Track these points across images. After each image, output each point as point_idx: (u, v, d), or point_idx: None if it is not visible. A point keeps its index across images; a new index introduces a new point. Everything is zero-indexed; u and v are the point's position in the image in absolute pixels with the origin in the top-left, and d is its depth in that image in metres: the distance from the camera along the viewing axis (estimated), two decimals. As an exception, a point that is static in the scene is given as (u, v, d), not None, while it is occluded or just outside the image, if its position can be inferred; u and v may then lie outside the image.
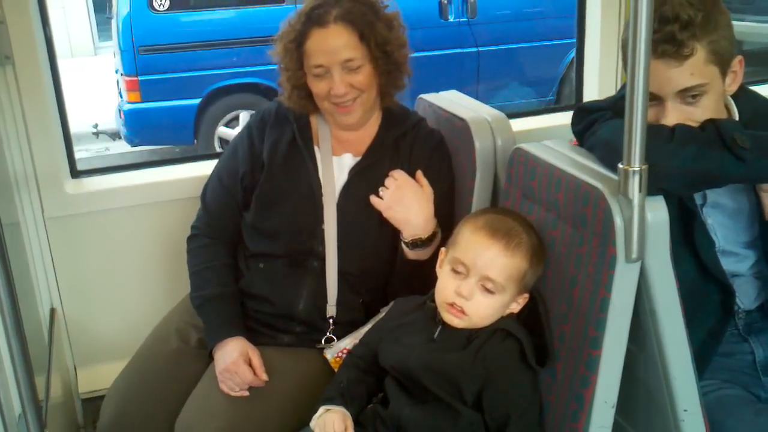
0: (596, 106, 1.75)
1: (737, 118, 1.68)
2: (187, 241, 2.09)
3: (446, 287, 1.60)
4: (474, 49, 6.41)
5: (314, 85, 1.93)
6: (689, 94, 1.59)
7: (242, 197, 2.03)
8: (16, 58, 2.23)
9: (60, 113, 2.41)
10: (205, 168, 2.51)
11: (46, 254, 2.45)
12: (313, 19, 1.89)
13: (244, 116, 6.29)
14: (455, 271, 1.59)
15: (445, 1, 6.22)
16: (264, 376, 1.85)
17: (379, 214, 1.92)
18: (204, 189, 2.11)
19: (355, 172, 1.97)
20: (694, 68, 1.57)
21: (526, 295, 1.62)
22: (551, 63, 6.65)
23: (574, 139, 1.81)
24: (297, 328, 1.98)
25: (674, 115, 1.59)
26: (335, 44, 1.87)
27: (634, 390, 1.63)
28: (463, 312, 1.58)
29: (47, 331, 2.42)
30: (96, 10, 10.53)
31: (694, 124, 1.59)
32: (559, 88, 6.79)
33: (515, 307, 1.62)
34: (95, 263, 2.51)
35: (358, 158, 1.99)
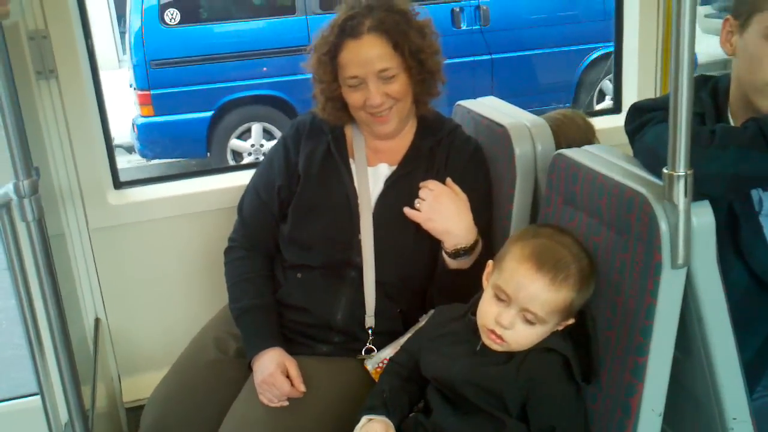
0: (650, 106, 1.71)
1: None
2: (225, 254, 2.11)
3: (488, 313, 1.55)
4: (488, 57, 6.41)
5: (349, 96, 1.93)
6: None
7: (279, 209, 2.04)
8: (59, 71, 2.27)
9: (102, 125, 2.45)
10: (244, 178, 2.53)
11: (90, 265, 2.49)
12: (346, 31, 1.89)
13: (257, 128, 6.32)
14: (498, 298, 1.54)
15: (458, 9, 6.22)
16: (302, 387, 1.86)
17: (415, 222, 1.91)
18: (241, 201, 2.12)
19: (391, 182, 1.97)
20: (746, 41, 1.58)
21: (572, 320, 1.57)
22: (567, 69, 6.63)
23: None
24: (335, 338, 1.98)
25: None
26: (369, 55, 1.87)
27: (681, 398, 1.60)
28: (502, 339, 1.54)
29: (92, 341, 2.46)
30: (119, 23, 10.70)
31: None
32: (576, 94, 6.75)
33: (559, 328, 1.58)
34: (137, 273, 2.55)
35: (394, 167, 1.99)
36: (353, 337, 1.97)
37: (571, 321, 1.57)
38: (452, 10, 6.23)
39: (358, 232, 1.94)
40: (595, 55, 6.57)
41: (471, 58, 6.32)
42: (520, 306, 1.52)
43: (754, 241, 1.61)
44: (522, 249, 1.54)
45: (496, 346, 1.56)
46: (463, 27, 6.30)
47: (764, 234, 1.63)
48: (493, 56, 6.42)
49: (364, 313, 1.96)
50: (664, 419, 1.52)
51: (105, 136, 2.46)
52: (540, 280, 1.50)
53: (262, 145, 6.29)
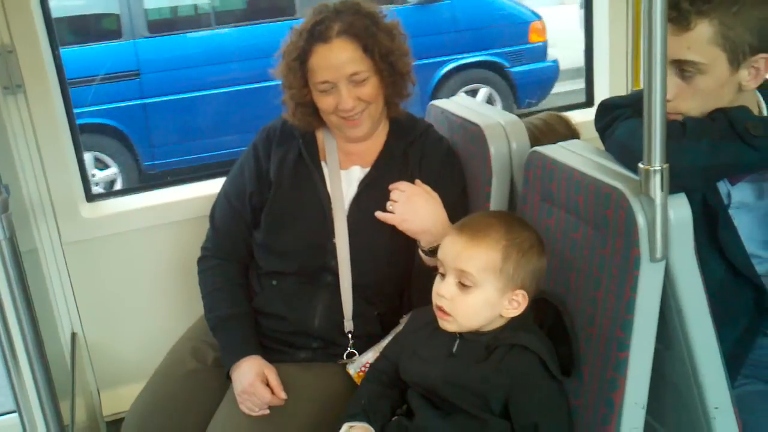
0: (618, 103, 1.73)
1: (765, 113, 1.66)
2: (198, 263, 2.10)
3: (433, 292, 1.60)
4: None
5: (321, 101, 1.91)
6: (683, 67, 1.57)
7: (251, 216, 2.03)
8: (27, 85, 2.24)
9: (72, 138, 2.42)
10: (217, 186, 2.50)
11: (65, 279, 2.46)
12: (315, 36, 1.88)
13: (87, 158, 5.49)
14: (440, 274, 1.59)
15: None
16: (282, 395, 1.85)
17: (390, 224, 1.91)
18: (213, 209, 2.10)
19: (365, 185, 1.96)
20: (692, 43, 1.54)
21: (521, 292, 1.56)
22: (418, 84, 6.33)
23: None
24: (314, 344, 1.97)
25: (668, 82, 1.52)
26: (340, 59, 1.86)
27: (663, 389, 1.61)
28: (446, 313, 1.56)
29: (69, 355, 2.43)
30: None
31: (685, 104, 1.58)
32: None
33: (511, 309, 1.56)
34: (113, 286, 2.52)
35: (367, 170, 1.99)
36: (332, 342, 1.97)
37: (518, 294, 1.55)
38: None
39: (333, 236, 1.94)
40: (447, 68, 6.19)
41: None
42: (453, 271, 1.55)
43: (729, 233, 1.62)
44: (453, 225, 1.64)
45: (446, 325, 1.57)
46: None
47: (735, 226, 1.64)
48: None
49: (342, 317, 1.95)
50: (648, 410, 1.53)
51: (75, 149, 2.43)
52: (461, 238, 1.56)
53: (93, 175, 5.63)
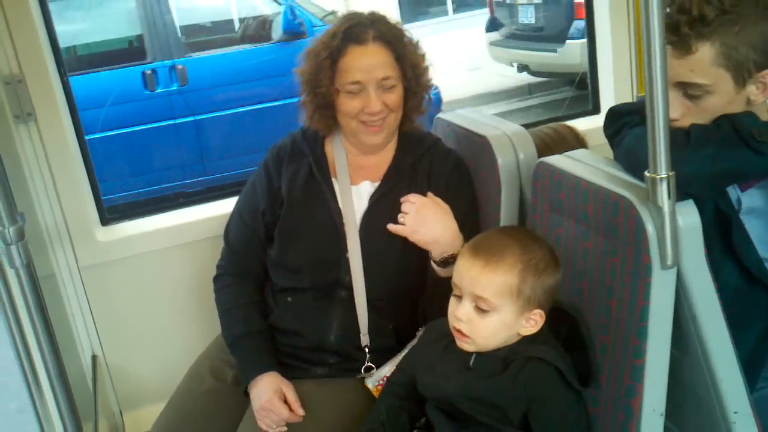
0: (626, 109, 1.72)
1: None
2: (214, 281, 2.11)
3: (450, 313, 1.59)
4: (191, 119, 5.78)
5: (346, 103, 1.92)
6: (689, 90, 1.57)
7: (265, 233, 2.04)
8: (37, 113, 2.27)
9: (85, 163, 2.45)
10: (229, 205, 2.53)
11: (83, 302, 2.49)
12: (351, 37, 1.90)
13: None
14: (455, 296, 1.58)
15: (150, 72, 5.66)
16: (300, 411, 1.86)
17: (402, 237, 1.91)
18: (226, 228, 2.12)
19: (375, 199, 1.97)
20: (695, 66, 1.53)
21: (538, 312, 1.56)
22: (293, 122, 6.05)
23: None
24: (330, 360, 1.98)
25: (673, 105, 1.54)
26: (374, 61, 1.89)
27: (681, 395, 1.61)
28: (464, 335, 1.56)
29: (90, 378, 2.45)
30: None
31: (692, 122, 1.56)
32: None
33: (529, 327, 1.56)
34: (131, 307, 2.55)
35: (377, 184, 1.99)
36: (348, 356, 1.97)
37: (537, 313, 1.55)
38: (143, 73, 5.64)
39: (346, 251, 1.95)
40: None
41: (170, 122, 5.74)
42: (469, 295, 1.55)
43: (743, 238, 1.62)
44: (467, 244, 1.61)
45: (465, 346, 1.57)
46: (159, 90, 5.68)
47: (747, 232, 1.64)
48: (197, 117, 5.77)
49: (358, 332, 1.96)
50: (667, 417, 1.52)
51: (88, 173, 2.47)
52: (476, 264, 1.54)
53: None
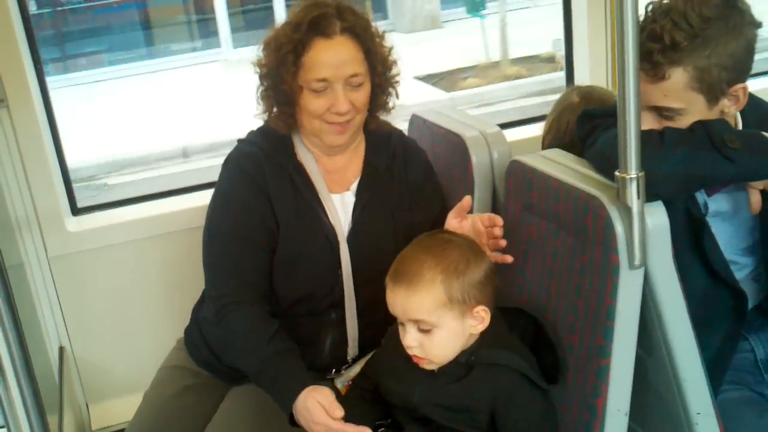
0: (599, 112, 1.74)
1: (741, 128, 1.67)
2: (221, 316, 1.83)
3: (402, 342, 1.57)
4: None
5: (311, 102, 1.79)
6: (663, 112, 1.59)
7: (269, 246, 1.86)
8: (9, 100, 2.24)
9: (57, 152, 2.42)
10: (201, 198, 2.52)
11: (51, 293, 2.45)
12: (316, 29, 1.76)
13: None
14: (400, 324, 1.57)
15: None
16: (336, 413, 1.62)
17: (392, 243, 1.84)
18: (213, 256, 1.88)
19: (359, 212, 1.89)
20: (669, 91, 1.56)
21: (480, 307, 1.54)
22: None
23: None
24: (327, 376, 1.94)
25: (646, 125, 1.57)
26: (342, 57, 1.76)
27: (646, 395, 1.62)
28: (420, 358, 1.55)
29: (57, 369, 2.42)
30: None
31: None
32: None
33: (478, 324, 1.55)
34: (101, 299, 2.52)
35: (355, 189, 1.91)
36: (338, 369, 1.95)
37: (481, 309, 1.53)
38: None
39: (340, 268, 1.87)
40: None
41: None
42: (408, 321, 1.54)
43: (711, 241, 1.64)
44: (388, 274, 1.57)
45: (426, 366, 1.56)
46: None
47: (714, 235, 1.66)
48: None
49: (347, 345, 1.93)
50: (631, 417, 1.54)
51: (60, 162, 2.44)
52: (399, 292, 1.53)
53: None
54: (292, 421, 1.68)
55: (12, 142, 2.28)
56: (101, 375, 2.56)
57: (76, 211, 2.51)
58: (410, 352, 1.55)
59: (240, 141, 1.94)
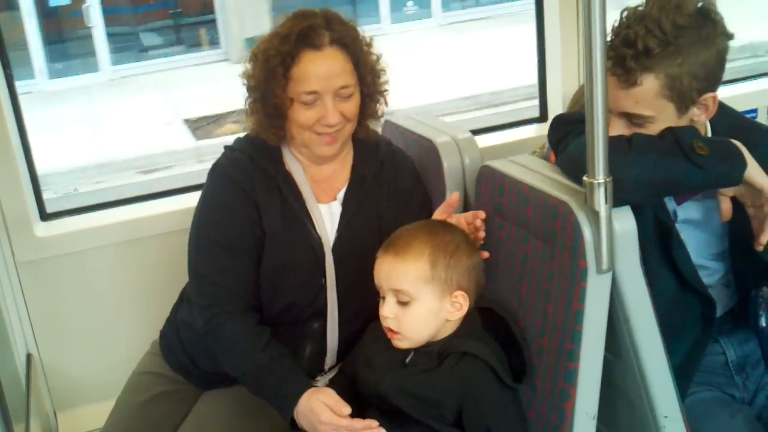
0: (571, 119, 1.75)
1: (710, 136, 1.69)
2: (210, 326, 1.81)
3: (380, 315, 1.62)
4: None
5: (301, 114, 1.78)
6: (633, 119, 1.60)
7: (257, 254, 1.84)
8: None
9: (26, 156, 2.40)
10: (177, 203, 2.51)
11: (19, 299, 2.42)
12: (305, 41, 1.75)
13: None
14: (381, 298, 1.62)
15: None
16: (343, 411, 1.62)
17: (376, 251, 1.77)
18: (201, 265, 1.85)
19: (346, 221, 1.89)
20: (640, 98, 1.57)
21: (460, 293, 1.58)
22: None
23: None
24: None
25: (616, 132, 1.59)
26: (331, 69, 1.76)
27: (614, 399, 1.63)
28: (394, 331, 1.59)
29: (24, 377, 2.39)
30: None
31: None
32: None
33: (455, 311, 1.59)
34: (70, 305, 2.49)
35: (342, 199, 1.91)
36: (314, 376, 1.93)
37: (459, 295, 1.58)
38: None
39: (324, 278, 1.86)
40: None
41: None
42: (389, 291, 1.59)
43: (680, 248, 1.66)
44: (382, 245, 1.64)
45: (399, 343, 1.60)
46: None
47: (684, 242, 1.68)
48: None
49: (325, 354, 1.92)
50: (599, 419, 1.55)
51: (29, 166, 2.41)
52: (386, 259, 1.60)
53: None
54: (293, 425, 1.69)
55: None
56: (70, 382, 2.53)
57: (45, 216, 2.48)
58: (385, 323, 1.60)
59: (227, 148, 1.93)
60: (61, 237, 2.43)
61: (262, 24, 10.21)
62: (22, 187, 2.35)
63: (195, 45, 11.81)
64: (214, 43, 11.63)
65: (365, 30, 1.88)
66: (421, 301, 1.57)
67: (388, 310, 1.59)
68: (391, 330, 1.60)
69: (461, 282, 1.59)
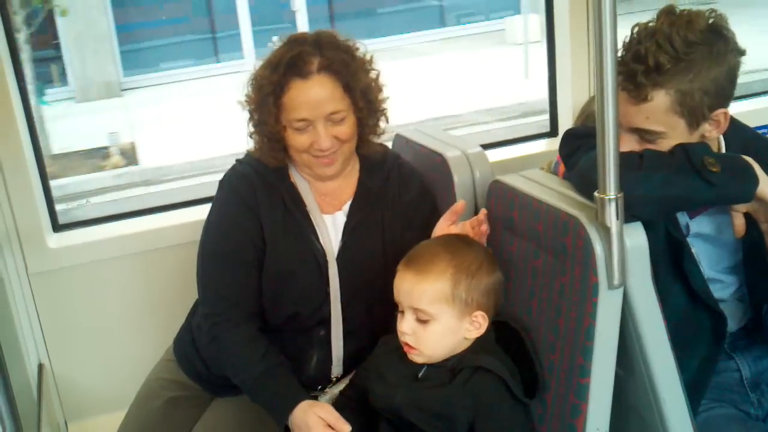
0: (583, 132, 1.75)
1: (724, 151, 1.68)
2: (212, 333, 1.87)
3: (398, 329, 1.62)
4: None
5: (294, 139, 1.82)
6: (644, 135, 1.60)
7: (258, 267, 1.88)
8: None
9: (39, 168, 2.41)
10: (187, 215, 2.53)
11: (31, 310, 2.43)
12: (293, 70, 1.78)
13: None
14: (400, 312, 1.62)
15: None
16: (345, 428, 1.67)
17: (381, 263, 1.86)
18: (206, 275, 1.90)
19: (349, 232, 1.90)
20: (650, 114, 1.57)
21: (480, 314, 1.60)
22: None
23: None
24: (312, 392, 1.91)
25: (627, 147, 1.59)
26: (320, 97, 1.78)
27: (625, 415, 1.63)
28: (412, 347, 1.59)
29: (36, 387, 2.40)
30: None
31: None
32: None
33: (474, 330, 1.60)
34: (82, 316, 2.50)
35: (347, 211, 1.92)
36: (322, 387, 1.94)
37: (479, 315, 1.59)
38: None
39: (328, 287, 1.88)
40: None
41: None
42: (408, 308, 1.59)
43: (692, 263, 1.65)
44: (402, 260, 1.65)
45: (415, 358, 1.60)
46: None
47: (696, 256, 1.67)
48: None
49: (331, 363, 1.92)
50: (610, 437, 1.54)
51: (42, 178, 2.43)
52: (407, 277, 1.60)
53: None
54: None
55: None
56: (81, 392, 2.54)
57: (57, 227, 2.49)
58: (402, 339, 1.60)
59: (237, 161, 1.97)
60: (73, 248, 2.45)
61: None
62: (35, 199, 2.37)
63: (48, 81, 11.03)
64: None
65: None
66: (440, 321, 1.57)
67: (407, 327, 1.59)
68: (408, 345, 1.60)
69: (481, 302, 1.59)
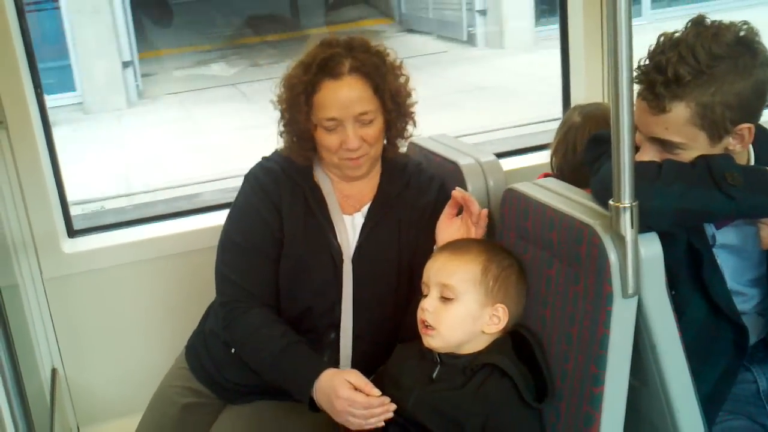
0: (608, 137, 1.73)
1: (753, 163, 1.66)
2: (228, 319, 1.90)
3: (418, 311, 1.67)
4: None
5: (324, 139, 1.85)
6: (665, 145, 1.58)
7: (277, 257, 1.91)
8: (9, 122, 2.25)
9: (55, 174, 2.43)
10: (201, 222, 2.54)
11: (45, 315, 2.45)
12: (325, 71, 1.83)
13: None
14: (424, 295, 1.67)
15: None
16: (375, 392, 1.65)
17: (395, 266, 1.88)
18: (224, 264, 1.94)
19: (366, 234, 1.92)
20: (669, 125, 1.55)
21: (501, 307, 1.63)
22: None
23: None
24: None
25: (648, 156, 1.58)
26: (350, 97, 1.82)
27: (639, 425, 1.62)
28: (429, 327, 1.62)
29: (49, 391, 2.41)
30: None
31: None
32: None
33: (492, 325, 1.64)
34: (95, 321, 2.51)
35: (365, 213, 1.94)
36: None
37: (499, 308, 1.63)
38: None
39: (341, 288, 1.89)
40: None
41: None
42: (435, 285, 1.64)
43: (713, 273, 1.63)
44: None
45: (430, 340, 1.63)
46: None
47: (720, 267, 1.65)
48: None
49: (339, 364, 1.91)
50: (623, 447, 1.54)
51: (57, 185, 2.44)
52: (441, 256, 1.68)
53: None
54: (313, 406, 1.73)
55: (10, 164, 2.29)
56: (93, 398, 2.55)
57: (72, 233, 2.51)
58: (423, 316, 1.64)
59: (263, 158, 2.02)
60: (88, 254, 2.46)
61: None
62: (50, 204, 2.38)
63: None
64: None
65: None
66: (463, 302, 1.62)
67: (429, 304, 1.64)
68: (425, 324, 1.63)
69: (505, 298, 1.64)
